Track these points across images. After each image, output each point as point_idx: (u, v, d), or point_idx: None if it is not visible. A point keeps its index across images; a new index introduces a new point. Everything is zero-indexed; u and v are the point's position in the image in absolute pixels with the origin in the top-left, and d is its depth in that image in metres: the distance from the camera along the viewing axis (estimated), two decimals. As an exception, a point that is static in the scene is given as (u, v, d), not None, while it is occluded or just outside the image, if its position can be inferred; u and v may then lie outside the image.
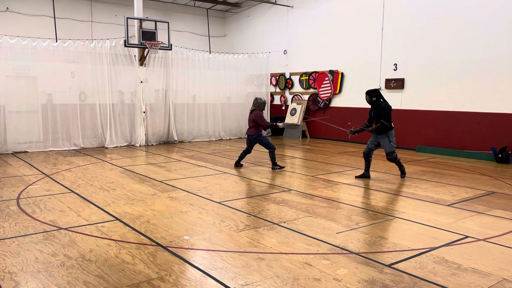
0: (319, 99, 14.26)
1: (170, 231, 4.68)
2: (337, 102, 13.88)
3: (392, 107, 7.61)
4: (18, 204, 5.79)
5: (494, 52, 9.88)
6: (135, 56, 12.24)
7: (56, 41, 11.40)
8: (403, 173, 7.69)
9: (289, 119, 14.79)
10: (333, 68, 13.75)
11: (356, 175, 7.83)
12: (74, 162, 9.40)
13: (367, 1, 12.62)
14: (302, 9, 14.76)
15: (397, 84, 11.84)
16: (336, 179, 7.63)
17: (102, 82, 11.87)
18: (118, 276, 3.52)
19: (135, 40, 12.00)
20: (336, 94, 13.77)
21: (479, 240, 4.43)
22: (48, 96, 11.19)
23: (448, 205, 5.83)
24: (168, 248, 4.17)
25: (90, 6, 14.89)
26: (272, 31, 15.98)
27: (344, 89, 13.59)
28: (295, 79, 15.29)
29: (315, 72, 14.40)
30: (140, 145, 12.33)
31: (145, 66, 12.42)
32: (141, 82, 12.30)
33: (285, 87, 15.68)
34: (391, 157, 7.43)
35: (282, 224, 4.93)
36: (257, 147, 9.17)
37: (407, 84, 11.72)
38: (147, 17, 12.46)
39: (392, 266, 3.74)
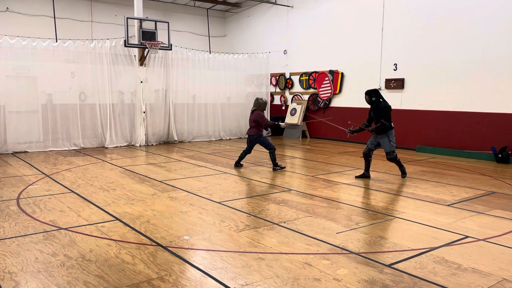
0: (319, 99, 14.26)
1: (170, 231, 4.68)
2: (337, 102, 13.88)
3: (392, 107, 7.61)
4: (18, 204, 5.79)
5: (494, 52, 9.88)
6: (135, 56, 12.24)
7: (56, 41, 11.40)
8: (403, 173, 7.68)
9: (289, 119, 14.79)
10: (333, 68, 13.76)
11: (356, 175, 7.83)
12: (74, 162, 9.40)
13: (367, 1, 12.62)
14: (302, 9, 14.76)
15: (397, 84, 11.84)
16: (336, 179, 7.63)
17: (102, 82, 11.87)
18: (118, 276, 3.52)
19: (135, 40, 12.00)
20: (336, 94, 13.77)
21: (479, 240, 4.43)
22: (48, 96, 11.19)
23: (448, 205, 5.83)
24: (168, 248, 4.17)
25: (90, 6, 14.89)
26: (272, 31, 15.98)
27: (344, 89, 13.59)
28: (295, 79, 15.29)
29: (315, 72, 14.40)
30: (140, 145, 12.33)
31: (145, 66, 12.42)
32: (141, 82, 12.30)
33: (285, 87, 15.68)
34: (391, 157, 7.43)
35: (282, 224, 4.93)
36: (257, 147, 9.17)
37: (407, 84, 11.72)
38: (147, 17, 12.46)
39: (392, 266, 3.74)
